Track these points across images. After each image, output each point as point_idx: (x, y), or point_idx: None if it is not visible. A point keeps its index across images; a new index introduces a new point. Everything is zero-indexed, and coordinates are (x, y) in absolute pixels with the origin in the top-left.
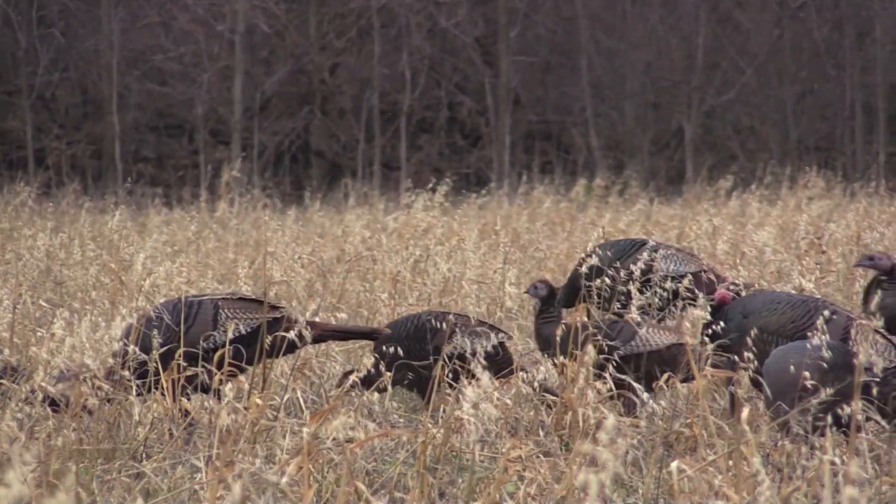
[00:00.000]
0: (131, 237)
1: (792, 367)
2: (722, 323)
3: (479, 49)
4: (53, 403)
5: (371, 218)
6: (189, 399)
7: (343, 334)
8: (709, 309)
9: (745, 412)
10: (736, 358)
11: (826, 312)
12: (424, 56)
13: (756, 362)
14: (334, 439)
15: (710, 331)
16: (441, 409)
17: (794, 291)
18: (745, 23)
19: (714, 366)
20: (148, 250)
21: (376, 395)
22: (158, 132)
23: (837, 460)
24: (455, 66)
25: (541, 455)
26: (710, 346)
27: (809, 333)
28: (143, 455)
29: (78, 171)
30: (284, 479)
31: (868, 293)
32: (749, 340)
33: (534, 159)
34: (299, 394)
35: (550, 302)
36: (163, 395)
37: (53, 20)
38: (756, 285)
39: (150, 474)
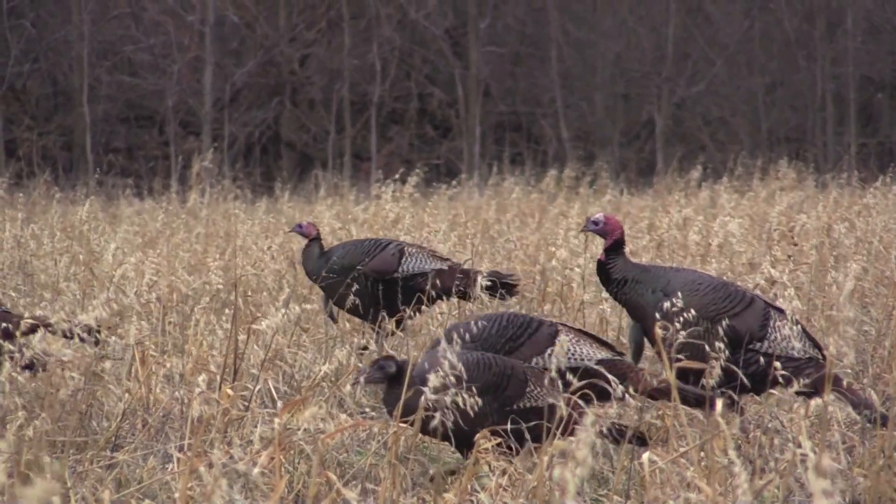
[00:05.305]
0: (102, 228)
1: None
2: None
3: (448, 40)
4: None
5: (341, 209)
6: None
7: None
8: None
9: (718, 403)
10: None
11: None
12: (394, 47)
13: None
14: (306, 430)
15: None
16: None
17: (763, 283)
18: (715, 13)
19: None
20: (118, 241)
21: (348, 386)
22: (129, 123)
23: (810, 453)
24: (425, 57)
25: (512, 446)
26: (683, 334)
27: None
28: (116, 445)
29: (49, 161)
30: (256, 470)
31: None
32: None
33: (504, 150)
34: (271, 384)
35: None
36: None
37: (24, 11)
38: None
39: (124, 464)
